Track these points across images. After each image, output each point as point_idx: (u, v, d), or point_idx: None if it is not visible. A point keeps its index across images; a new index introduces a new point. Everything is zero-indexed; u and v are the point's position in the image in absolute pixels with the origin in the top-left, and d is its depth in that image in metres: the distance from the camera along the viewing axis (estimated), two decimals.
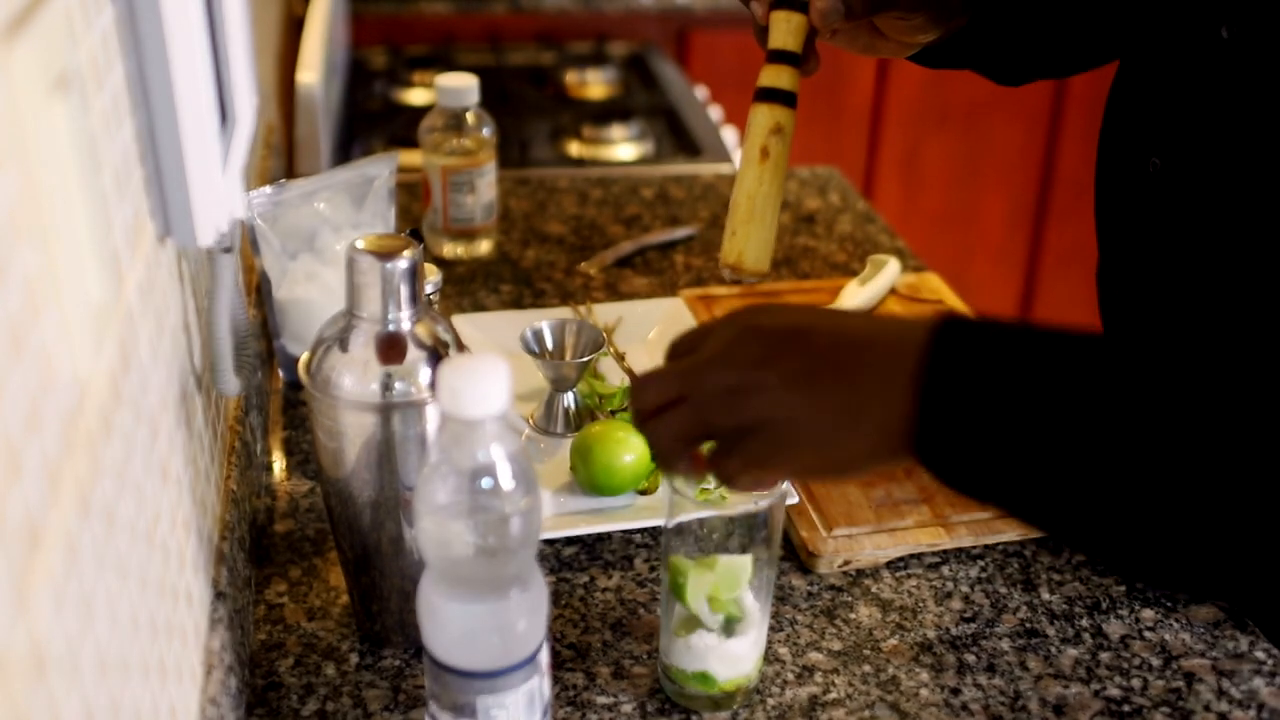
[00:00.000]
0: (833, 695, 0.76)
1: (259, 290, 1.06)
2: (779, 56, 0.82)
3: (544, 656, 0.64)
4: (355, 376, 0.69)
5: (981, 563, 0.87)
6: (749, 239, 0.80)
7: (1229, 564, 0.58)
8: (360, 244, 0.68)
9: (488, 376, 0.56)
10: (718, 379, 0.62)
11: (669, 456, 0.65)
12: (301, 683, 0.76)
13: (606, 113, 1.87)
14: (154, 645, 0.54)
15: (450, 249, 1.31)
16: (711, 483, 0.91)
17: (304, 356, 0.73)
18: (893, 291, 1.21)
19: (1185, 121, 0.83)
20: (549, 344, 1.02)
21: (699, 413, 0.62)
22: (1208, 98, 0.80)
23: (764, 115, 0.81)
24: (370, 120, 1.87)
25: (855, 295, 1.17)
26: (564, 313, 1.16)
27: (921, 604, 0.84)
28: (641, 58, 2.24)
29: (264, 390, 1.02)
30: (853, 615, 0.82)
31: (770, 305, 0.68)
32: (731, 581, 0.71)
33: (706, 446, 0.64)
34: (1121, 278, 0.94)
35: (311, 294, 1.02)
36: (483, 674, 0.61)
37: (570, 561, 0.87)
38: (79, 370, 0.45)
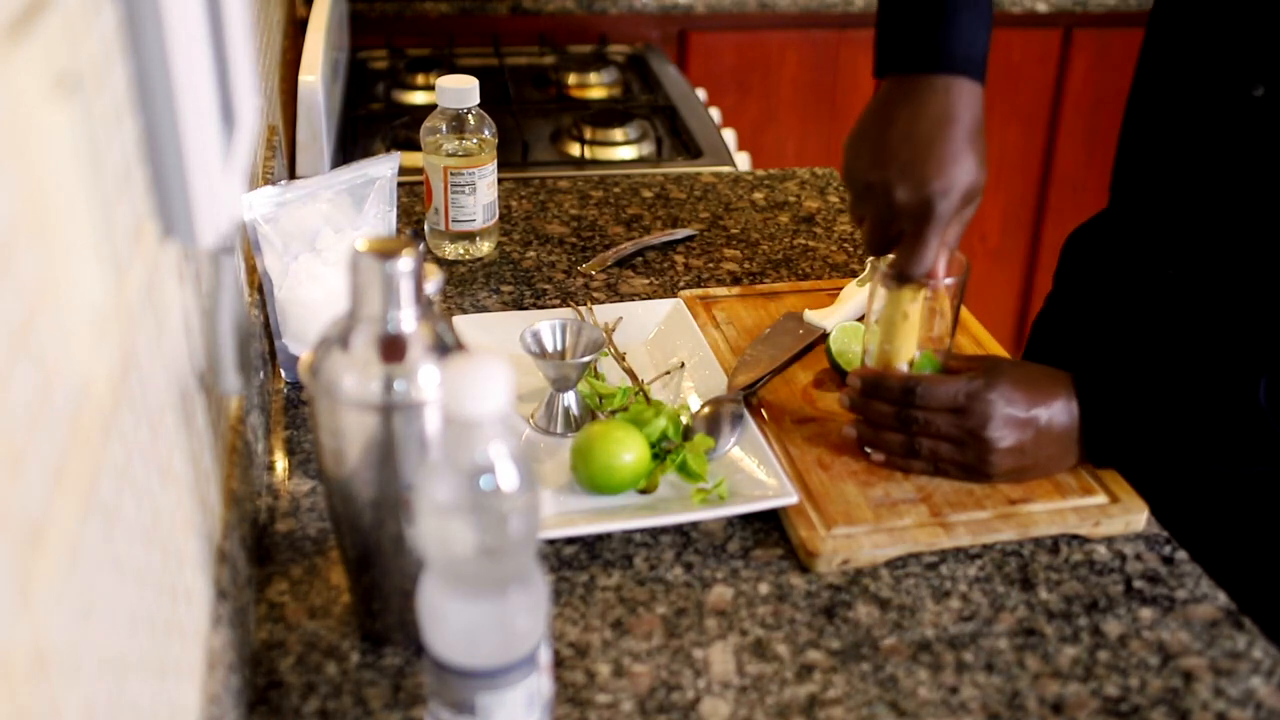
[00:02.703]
0: (831, 694, 0.76)
1: (260, 290, 1.06)
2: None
3: (544, 655, 0.64)
4: (356, 376, 0.70)
5: (979, 562, 0.88)
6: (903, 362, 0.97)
7: None
8: (361, 245, 0.69)
9: (488, 376, 0.56)
10: (992, 435, 0.91)
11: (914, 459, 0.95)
12: (303, 681, 0.76)
13: (607, 114, 1.87)
14: (155, 644, 0.54)
15: (451, 249, 1.31)
16: (709, 484, 0.92)
17: (306, 356, 0.73)
18: None
19: None
20: (549, 344, 1.02)
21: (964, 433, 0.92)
22: None
23: (909, 291, 0.94)
24: (372, 121, 1.87)
25: (856, 296, 1.17)
26: (564, 313, 1.16)
27: (920, 603, 0.84)
28: (642, 59, 2.24)
29: (265, 390, 1.02)
30: (851, 614, 0.83)
31: (1018, 385, 0.93)
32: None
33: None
34: (1204, 208, 1.01)
35: (313, 294, 1.02)
36: (483, 672, 0.61)
37: (570, 560, 0.87)
38: (80, 370, 0.45)
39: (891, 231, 0.92)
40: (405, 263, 0.68)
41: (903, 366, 0.96)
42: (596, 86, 2.09)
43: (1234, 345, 0.98)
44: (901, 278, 0.93)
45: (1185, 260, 1.03)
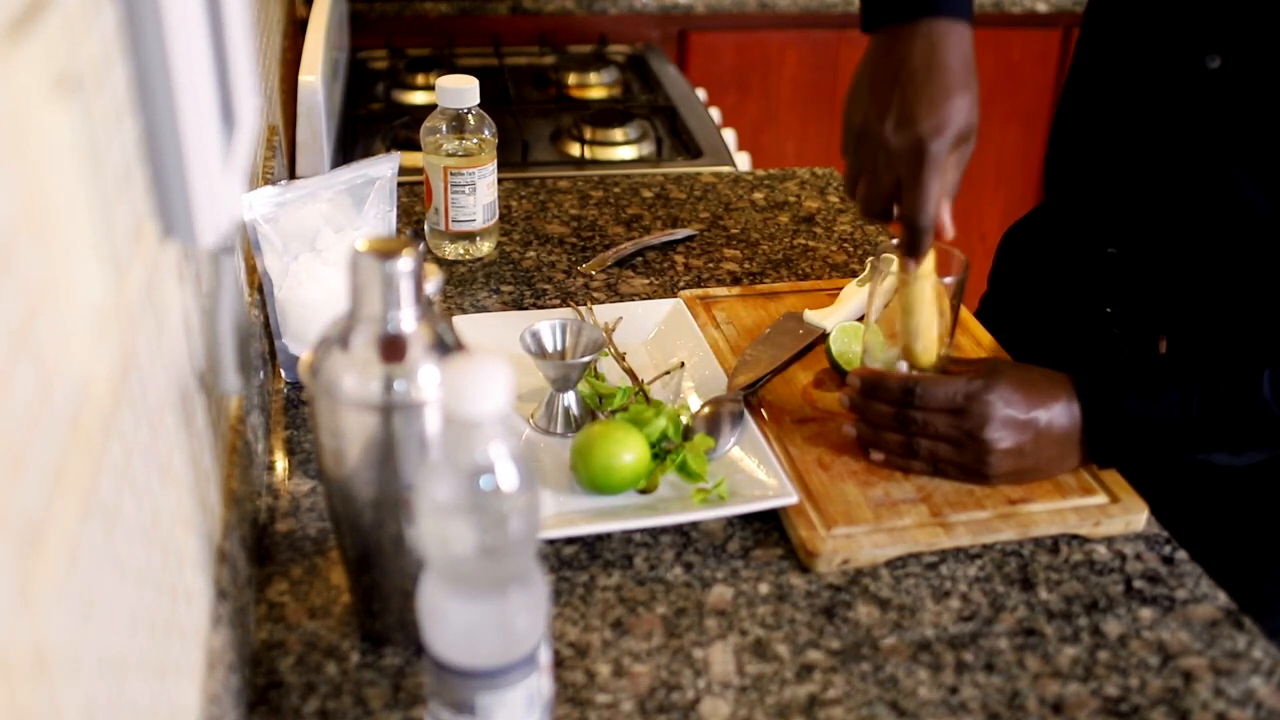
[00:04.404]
0: (831, 694, 0.76)
1: (260, 290, 1.06)
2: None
3: (544, 655, 0.64)
4: (356, 376, 0.70)
5: (980, 562, 0.88)
6: (933, 352, 0.97)
7: None
8: (361, 245, 0.69)
9: (488, 376, 0.56)
10: (993, 435, 0.91)
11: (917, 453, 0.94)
12: (303, 681, 0.76)
13: (607, 114, 1.87)
14: (155, 644, 0.54)
15: (451, 249, 1.31)
16: (709, 484, 0.92)
17: (306, 356, 0.73)
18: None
19: (1250, 17, 0.86)
20: (549, 344, 1.02)
21: (964, 430, 0.92)
22: None
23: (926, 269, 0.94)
24: (372, 121, 1.87)
25: (856, 295, 1.17)
26: (564, 313, 1.16)
27: (920, 603, 0.84)
28: (642, 59, 2.24)
29: (265, 390, 1.02)
30: (851, 614, 0.83)
31: (1018, 391, 0.92)
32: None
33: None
34: (1150, 184, 1.00)
35: (313, 294, 1.02)
36: (483, 672, 0.61)
37: (570, 560, 0.87)
38: (80, 370, 0.45)
39: (886, 181, 0.89)
40: (405, 263, 0.68)
41: (932, 344, 0.95)
42: (596, 86, 2.09)
43: (1226, 335, 0.98)
44: (911, 236, 0.90)
45: (1127, 238, 1.03)
